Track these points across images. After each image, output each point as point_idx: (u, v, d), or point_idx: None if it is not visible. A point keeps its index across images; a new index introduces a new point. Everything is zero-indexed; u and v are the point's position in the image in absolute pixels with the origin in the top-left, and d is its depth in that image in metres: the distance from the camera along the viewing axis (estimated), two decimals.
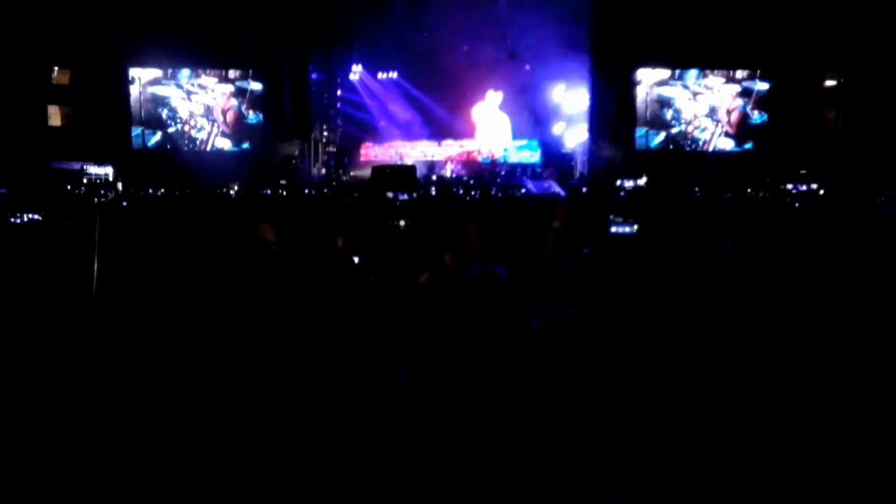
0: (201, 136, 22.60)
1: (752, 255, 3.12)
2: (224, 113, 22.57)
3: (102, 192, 14.03)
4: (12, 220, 6.04)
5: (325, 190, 17.07)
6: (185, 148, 22.39)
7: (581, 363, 1.86)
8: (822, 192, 10.26)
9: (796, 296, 3.18)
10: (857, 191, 9.88)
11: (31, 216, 6.67)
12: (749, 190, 12.09)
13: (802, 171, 14.03)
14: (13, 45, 17.98)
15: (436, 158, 24.78)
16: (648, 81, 22.77)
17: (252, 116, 22.61)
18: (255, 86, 22.52)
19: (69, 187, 15.80)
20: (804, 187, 11.02)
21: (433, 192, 16.40)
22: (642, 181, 17.06)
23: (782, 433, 1.95)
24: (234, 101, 22.55)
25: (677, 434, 1.92)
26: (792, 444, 1.96)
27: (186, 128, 22.55)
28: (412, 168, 10.02)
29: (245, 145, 22.59)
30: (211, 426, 1.92)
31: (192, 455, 1.83)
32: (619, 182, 17.43)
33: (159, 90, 22.39)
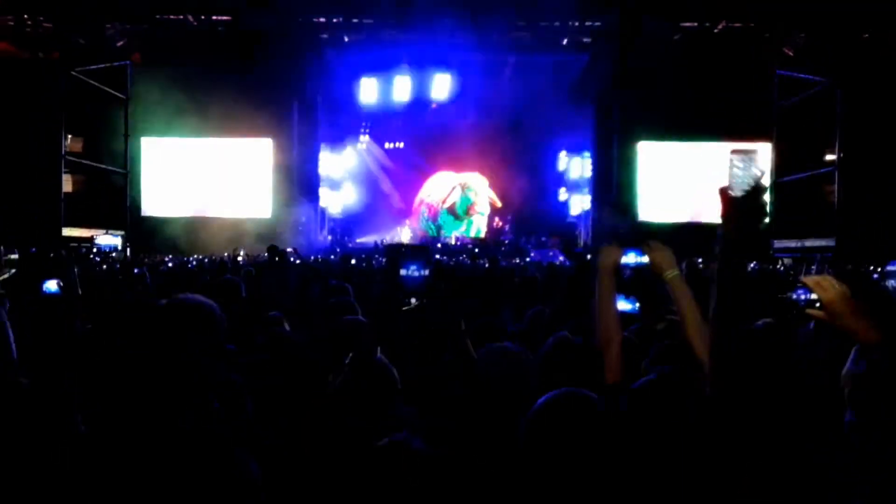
0: (215, 202, 22.69)
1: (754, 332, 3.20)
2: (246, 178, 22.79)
3: (111, 259, 14.11)
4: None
5: (332, 257, 17.12)
6: (194, 215, 22.43)
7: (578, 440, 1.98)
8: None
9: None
10: (858, 264, 9.96)
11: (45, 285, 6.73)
12: (754, 264, 12.16)
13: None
14: (29, 114, 18.34)
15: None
16: (647, 150, 22.70)
17: (271, 182, 22.74)
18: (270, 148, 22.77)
19: (81, 253, 15.90)
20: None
21: (437, 259, 16.50)
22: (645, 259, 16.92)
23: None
24: (255, 165, 22.79)
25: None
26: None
27: (196, 193, 22.71)
28: (426, 248, 10.39)
29: (267, 215, 22.61)
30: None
31: None
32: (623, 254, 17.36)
33: (168, 153, 22.70)
